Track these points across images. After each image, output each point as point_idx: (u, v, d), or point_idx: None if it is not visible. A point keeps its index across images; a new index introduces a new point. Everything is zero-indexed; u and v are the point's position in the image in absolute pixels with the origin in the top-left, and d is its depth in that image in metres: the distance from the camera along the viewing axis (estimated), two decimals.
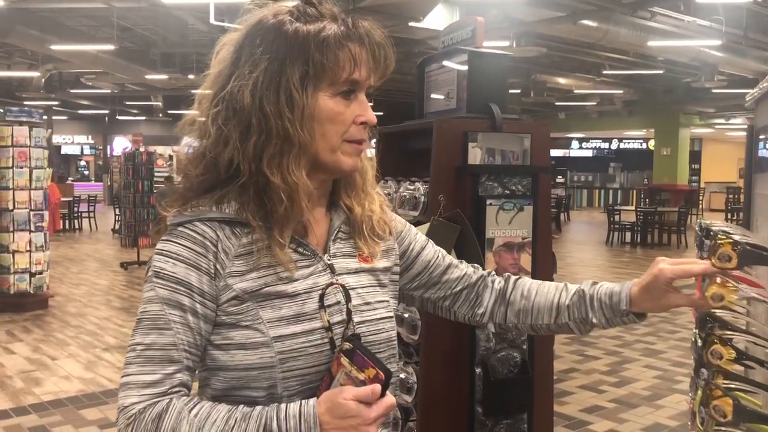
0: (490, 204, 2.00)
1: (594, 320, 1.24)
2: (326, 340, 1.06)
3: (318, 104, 1.06)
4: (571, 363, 5.87)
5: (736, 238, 1.03)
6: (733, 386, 1.08)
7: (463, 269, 1.33)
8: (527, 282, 1.32)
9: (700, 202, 23.66)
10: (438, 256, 1.31)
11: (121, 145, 28.38)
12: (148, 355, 1.02)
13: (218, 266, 1.05)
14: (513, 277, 1.34)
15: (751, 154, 1.40)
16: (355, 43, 1.08)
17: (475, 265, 1.36)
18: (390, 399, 0.98)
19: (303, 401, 0.98)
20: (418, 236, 1.32)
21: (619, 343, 6.57)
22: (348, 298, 1.10)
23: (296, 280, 1.07)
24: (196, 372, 1.08)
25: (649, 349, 6.37)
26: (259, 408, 0.99)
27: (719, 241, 1.01)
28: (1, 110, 8.02)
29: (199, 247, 1.05)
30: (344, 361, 1.01)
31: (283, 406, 0.98)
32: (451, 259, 1.34)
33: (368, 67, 1.09)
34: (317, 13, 1.10)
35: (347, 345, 1.02)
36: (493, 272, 1.36)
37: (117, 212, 15.09)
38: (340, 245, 1.16)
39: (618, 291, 1.21)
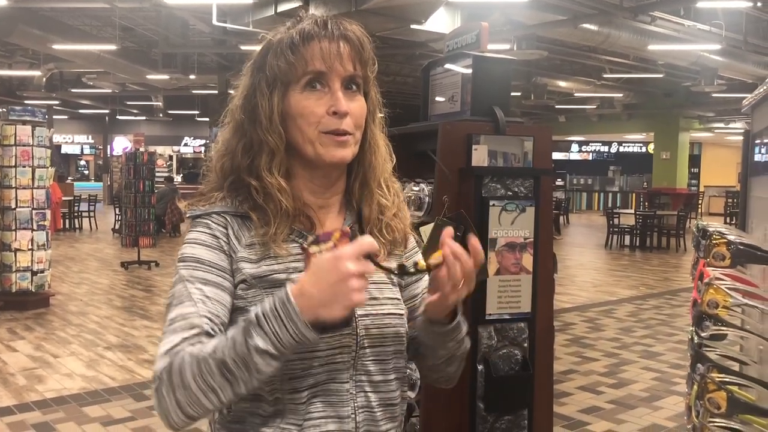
0: (493, 205, 2.05)
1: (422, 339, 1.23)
2: None
3: (289, 103, 1.13)
4: (569, 364, 5.91)
5: (731, 238, 1.07)
6: (727, 380, 1.12)
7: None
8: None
9: (700, 205, 23.73)
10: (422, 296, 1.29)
11: (121, 144, 28.42)
12: (173, 327, 1.08)
13: (231, 250, 1.14)
14: None
15: (747, 158, 1.45)
16: (312, 40, 1.12)
17: None
18: (366, 237, 0.98)
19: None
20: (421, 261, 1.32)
21: (618, 345, 6.62)
22: None
23: (302, 271, 1.11)
24: None
25: (648, 351, 6.42)
26: (245, 319, 1.02)
27: (714, 241, 1.06)
28: (4, 109, 8.04)
29: (215, 231, 1.15)
30: (313, 249, 1.07)
31: (267, 299, 1.01)
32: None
33: (331, 58, 1.12)
34: (297, 22, 1.17)
35: (311, 238, 1.10)
36: None
37: (117, 212, 15.13)
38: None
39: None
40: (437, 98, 2.37)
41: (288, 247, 1.14)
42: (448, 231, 1.08)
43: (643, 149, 29.07)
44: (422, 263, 1.06)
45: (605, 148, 30.82)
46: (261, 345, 0.97)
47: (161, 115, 24.82)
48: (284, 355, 1.00)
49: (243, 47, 12.18)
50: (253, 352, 0.97)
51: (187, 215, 1.19)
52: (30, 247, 7.74)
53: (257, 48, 1.20)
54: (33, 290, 7.78)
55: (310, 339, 0.98)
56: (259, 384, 1.02)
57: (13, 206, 7.63)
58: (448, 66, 2.30)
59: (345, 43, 1.13)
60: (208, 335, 1.07)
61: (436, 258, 1.06)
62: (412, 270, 1.08)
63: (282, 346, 0.98)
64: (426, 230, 1.73)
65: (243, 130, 1.17)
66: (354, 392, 1.14)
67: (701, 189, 26.50)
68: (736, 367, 1.50)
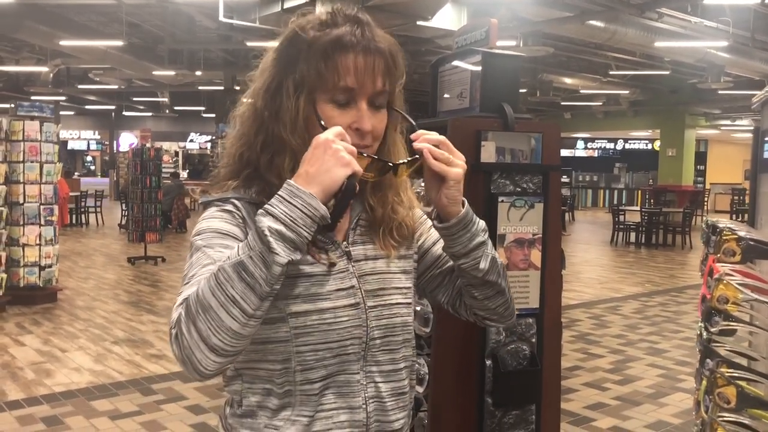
0: (502, 201, 2.06)
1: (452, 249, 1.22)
2: (339, 319, 1.13)
3: (315, 109, 1.13)
4: (575, 361, 5.92)
5: (741, 234, 1.08)
6: (736, 375, 1.13)
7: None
8: None
9: (706, 203, 23.67)
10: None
11: (127, 140, 28.51)
12: (189, 283, 1.06)
13: (246, 229, 1.13)
14: None
15: (756, 155, 1.46)
16: (347, 52, 1.12)
17: None
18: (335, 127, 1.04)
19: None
20: (431, 231, 1.32)
21: (623, 341, 6.62)
22: (364, 282, 1.17)
23: (313, 263, 1.13)
24: None
25: (653, 348, 6.42)
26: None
27: (725, 237, 1.07)
28: (12, 105, 8.08)
29: (230, 213, 1.15)
30: None
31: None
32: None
33: (363, 75, 1.12)
34: (332, 22, 1.16)
35: None
36: None
37: (124, 207, 15.17)
38: (360, 233, 1.22)
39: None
40: (446, 95, 2.38)
41: None
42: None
43: (649, 146, 29.00)
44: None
45: (611, 145, 30.76)
46: (273, 225, 0.97)
47: (167, 111, 24.87)
48: (300, 238, 0.99)
49: (249, 43, 12.20)
50: (268, 235, 0.96)
51: (201, 200, 1.19)
52: (38, 242, 7.78)
53: (265, 44, 1.21)
54: (41, 285, 7.83)
55: (318, 209, 0.99)
56: (278, 284, 0.99)
57: (22, 201, 7.67)
58: (456, 62, 2.31)
59: (379, 59, 1.13)
60: None
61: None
62: (391, 164, 1.13)
63: (294, 223, 0.98)
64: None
65: (264, 125, 1.17)
66: (365, 383, 1.16)
67: (707, 186, 26.43)
68: (745, 362, 1.51)
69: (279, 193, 1.01)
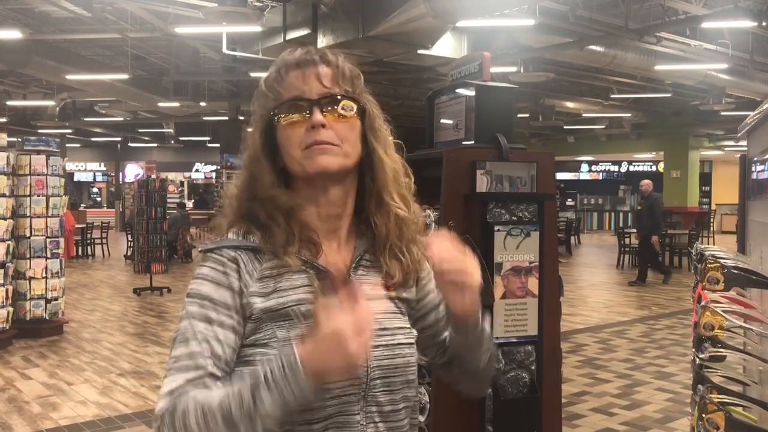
0: (498, 230, 2.09)
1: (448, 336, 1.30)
2: None
3: (276, 133, 1.18)
4: (582, 386, 5.88)
5: (725, 262, 1.10)
6: (726, 401, 1.15)
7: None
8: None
9: (712, 224, 23.60)
10: (444, 318, 1.33)
11: (132, 171, 28.68)
12: (177, 366, 1.09)
13: (242, 285, 1.14)
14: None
15: (744, 182, 1.48)
16: (287, 75, 1.18)
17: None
18: (366, 308, 1.00)
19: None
20: (436, 291, 1.31)
21: (630, 366, 6.58)
22: None
23: (313, 302, 1.13)
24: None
25: (661, 372, 6.38)
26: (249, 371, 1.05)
27: (709, 265, 1.09)
28: (20, 139, 8.18)
29: (225, 267, 1.15)
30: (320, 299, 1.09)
31: (269, 359, 1.04)
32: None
33: (302, 82, 1.17)
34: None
35: (318, 284, 1.13)
36: None
37: (129, 238, 15.24)
38: (363, 272, 1.22)
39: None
40: (442, 125, 2.42)
41: (299, 278, 1.16)
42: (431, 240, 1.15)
43: (653, 168, 29.00)
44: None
45: (615, 168, 30.78)
46: (268, 405, 1.00)
47: (172, 141, 25.08)
48: (288, 414, 1.02)
49: (252, 74, 12.35)
50: (260, 408, 1.00)
51: (199, 249, 1.22)
52: (44, 275, 7.82)
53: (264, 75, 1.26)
54: (47, 318, 7.84)
55: (309, 396, 1.02)
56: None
57: (28, 235, 7.73)
58: (452, 95, 2.35)
59: (314, 66, 1.18)
60: (212, 376, 1.09)
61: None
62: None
63: (287, 406, 1.01)
64: None
65: (245, 166, 1.23)
66: (364, 423, 1.15)
67: (713, 207, 26.36)
68: (740, 388, 1.52)
69: (284, 368, 1.01)
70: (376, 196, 1.22)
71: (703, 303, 1.10)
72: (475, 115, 2.14)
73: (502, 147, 2.11)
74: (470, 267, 1.15)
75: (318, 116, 1.16)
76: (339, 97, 1.18)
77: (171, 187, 15.91)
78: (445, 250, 1.15)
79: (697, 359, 1.32)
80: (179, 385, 1.06)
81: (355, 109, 1.19)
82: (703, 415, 1.10)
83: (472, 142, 2.23)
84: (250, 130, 1.23)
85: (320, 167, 1.15)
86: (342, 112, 1.18)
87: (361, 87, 1.23)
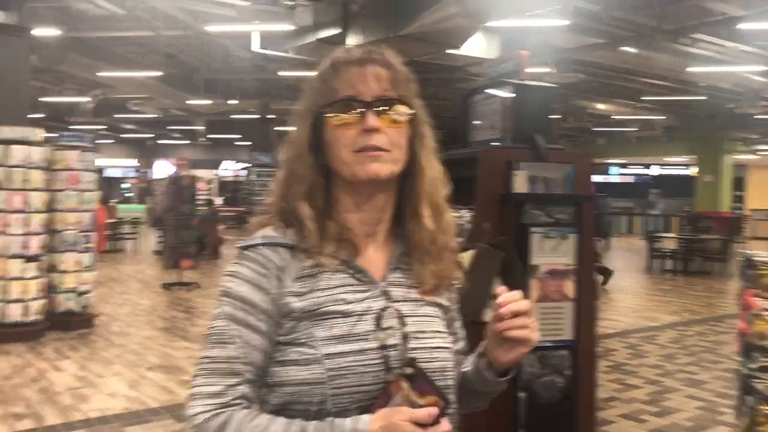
0: (534, 232, 2.05)
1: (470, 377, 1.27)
2: (376, 360, 1.10)
3: (325, 131, 1.16)
4: (611, 392, 5.80)
5: None
6: None
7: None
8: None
9: (745, 229, 23.16)
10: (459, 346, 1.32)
11: (162, 168, 29.03)
12: (213, 367, 1.10)
13: (280, 287, 1.13)
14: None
15: None
16: (341, 70, 1.16)
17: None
18: (446, 426, 1.02)
19: (356, 417, 1.03)
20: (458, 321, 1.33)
21: (661, 372, 6.48)
22: (403, 324, 1.15)
23: (351, 302, 1.13)
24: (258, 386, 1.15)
25: (692, 379, 6.26)
26: (314, 423, 1.05)
27: (761, 271, 1.05)
28: (56, 135, 8.31)
29: (263, 268, 1.14)
30: (404, 384, 1.04)
31: (338, 421, 1.03)
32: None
33: (359, 81, 1.14)
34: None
35: (410, 370, 1.05)
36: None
37: (159, 234, 15.40)
38: (400, 275, 1.21)
39: (482, 343, 1.25)
40: (477, 125, 2.40)
41: (337, 277, 1.15)
42: (501, 289, 1.15)
43: (685, 172, 28.59)
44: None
45: (645, 171, 30.40)
46: None
47: (202, 139, 25.33)
48: None
49: (282, 73, 12.41)
50: None
51: (236, 245, 1.20)
52: (76, 268, 7.93)
53: (299, 74, 1.26)
54: (78, 311, 7.96)
55: None
56: None
57: (61, 229, 7.85)
58: (488, 93, 2.32)
59: (372, 65, 1.16)
60: (249, 383, 1.11)
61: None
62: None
63: None
64: (466, 257, 1.73)
65: (286, 163, 1.21)
66: None
67: (747, 212, 25.87)
68: None
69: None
70: (412, 203, 1.21)
71: (754, 311, 1.06)
72: (513, 115, 2.11)
73: (540, 147, 2.08)
74: (534, 326, 1.16)
75: (373, 120, 1.13)
76: (394, 101, 1.16)
77: (202, 185, 16.09)
78: (514, 304, 1.15)
79: (746, 369, 1.27)
80: (220, 391, 1.08)
81: (407, 115, 1.17)
82: (754, 428, 1.06)
83: (508, 141, 2.20)
84: (294, 124, 1.21)
85: (372, 174, 1.13)
86: (396, 116, 1.16)
87: (415, 91, 1.21)
